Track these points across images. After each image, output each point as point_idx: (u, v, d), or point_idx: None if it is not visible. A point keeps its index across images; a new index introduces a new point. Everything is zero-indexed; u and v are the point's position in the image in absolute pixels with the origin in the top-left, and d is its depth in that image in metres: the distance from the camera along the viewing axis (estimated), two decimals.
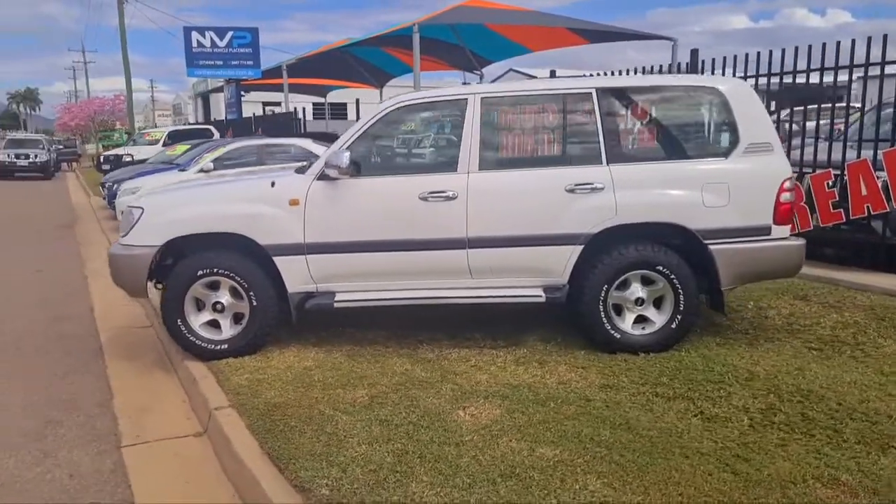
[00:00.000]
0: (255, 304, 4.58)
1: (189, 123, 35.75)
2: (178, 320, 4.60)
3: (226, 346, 4.63)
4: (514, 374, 4.26)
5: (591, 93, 4.56)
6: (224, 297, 4.64)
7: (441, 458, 3.17)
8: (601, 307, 4.51)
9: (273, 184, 4.59)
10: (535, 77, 26.80)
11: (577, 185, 4.44)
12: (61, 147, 38.13)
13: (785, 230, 4.55)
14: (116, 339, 5.67)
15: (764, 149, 4.51)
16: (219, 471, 3.42)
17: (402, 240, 4.51)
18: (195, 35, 29.94)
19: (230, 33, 29.60)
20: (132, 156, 20.99)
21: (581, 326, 4.67)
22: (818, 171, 6.49)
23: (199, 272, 4.56)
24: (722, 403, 3.75)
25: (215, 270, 4.56)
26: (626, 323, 4.59)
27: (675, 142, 4.56)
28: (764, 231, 4.50)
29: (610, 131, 4.53)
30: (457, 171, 4.51)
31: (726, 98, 4.53)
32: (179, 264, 4.61)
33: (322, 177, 4.51)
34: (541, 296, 4.55)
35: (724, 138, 4.59)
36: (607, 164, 4.49)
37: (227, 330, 4.67)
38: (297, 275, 4.57)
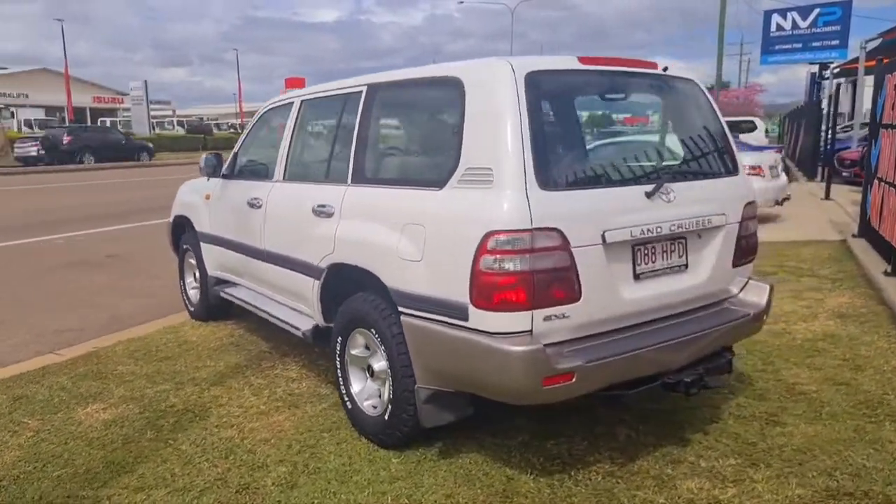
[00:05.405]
0: (201, 277, 5.41)
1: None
2: (181, 282, 5.82)
3: (192, 308, 5.63)
4: (224, 398, 3.96)
5: (361, 92, 3.54)
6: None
7: None
8: (338, 362, 3.60)
9: (208, 178, 5.24)
10: None
11: (318, 206, 3.62)
12: None
13: (499, 320, 2.61)
14: None
15: (481, 178, 2.68)
16: None
17: (238, 242, 4.59)
18: (775, 18, 28.38)
19: (816, 11, 26.94)
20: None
21: None
22: None
23: (184, 245, 5.65)
24: None
25: (186, 246, 5.57)
26: (364, 393, 3.51)
27: (411, 159, 3.10)
28: (457, 312, 2.73)
29: (361, 142, 3.45)
30: (271, 179, 4.25)
31: (465, 94, 2.84)
32: (182, 237, 5.79)
33: (222, 176, 4.93)
34: (299, 328, 3.91)
35: (450, 156, 2.87)
36: (350, 183, 3.47)
37: (198, 295, 5.63)
38: (209, 260, 5.17)
